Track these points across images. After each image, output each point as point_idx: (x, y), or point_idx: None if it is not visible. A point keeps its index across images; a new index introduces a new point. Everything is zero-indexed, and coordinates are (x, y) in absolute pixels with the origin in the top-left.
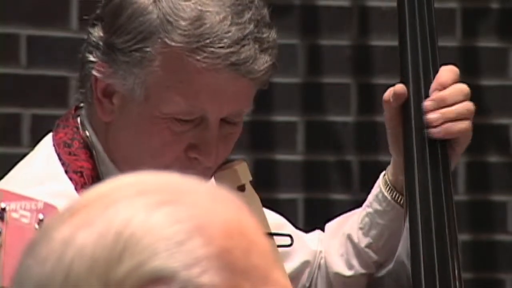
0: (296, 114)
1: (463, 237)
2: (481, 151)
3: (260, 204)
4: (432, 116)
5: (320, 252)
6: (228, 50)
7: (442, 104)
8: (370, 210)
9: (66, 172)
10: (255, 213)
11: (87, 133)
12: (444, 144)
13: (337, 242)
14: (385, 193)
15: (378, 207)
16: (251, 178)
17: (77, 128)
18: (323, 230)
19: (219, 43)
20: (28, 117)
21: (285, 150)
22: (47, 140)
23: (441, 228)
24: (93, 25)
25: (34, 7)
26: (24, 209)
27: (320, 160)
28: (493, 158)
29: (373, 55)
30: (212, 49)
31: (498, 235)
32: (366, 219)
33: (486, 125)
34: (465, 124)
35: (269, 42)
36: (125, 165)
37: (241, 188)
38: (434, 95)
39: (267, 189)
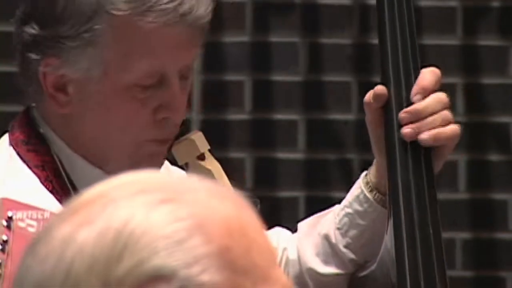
0: (297, 112)
1: (464, 235)
2: (481, 149)
3: (221, 170)
4: (405, 130)
5: (284, 249)
6: (174, 4)
7: (417, 118)
8: (349, 210)
9: (28, 167)
10: (217, 180)
11: (41, 130)
12: (428, 147)
13: (311, 241)
14: (367, 194)
15: (359, 208)
16: (209, 147)
17: (31, 126)
18: None
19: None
20: None
21: (286, 148)
22: (4, 141)
23: (425, 231)
24: (24, 24)
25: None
26: (31, 219)
27: (321, 158)
28: (494, 157)
29: (374, 54)
30: (160, 7)
31: (499, 233)
32: (345, 219)
33: (486, 123)
34: (452, 130)
35: None
36: (94, 149)
37: (201, 157)
38: (415, 100)
39: (268, 187)
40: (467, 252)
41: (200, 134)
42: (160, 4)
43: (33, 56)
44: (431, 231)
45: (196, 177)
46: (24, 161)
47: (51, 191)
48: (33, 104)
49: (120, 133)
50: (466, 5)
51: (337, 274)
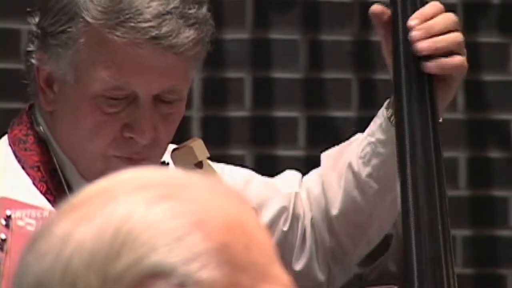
0: (297, 110)
1: (464, 232)
2: (482, 146)
3: (220, 180)
4: (421, 45)
5: (297, 193)
6: (147, 24)
7: (430, 32)
8: (372, 139)
9: (23, 168)
10: None
11: (41, 128)
12: (432, 77)
13: (336, 173)
14: (389, 123)
15: (381, 137)
16: (208, 155)
17: (31, 123)
18: None
19: (138, 17)
20: None
21: (286, 145)
22: (3, 140)
23: (429, 160)
24: (33, 15)
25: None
26: (30, 217)
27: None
28: (494, 154)
29: (374, 50)
30: (131, 24)
31: (499, 230)
32: (368, 148)
33: (487, 120)
34: (459, 60)
35: (196, 18)
36: (71, 152)
37: (199, 166)
38: (412, 24)
39: None
40: (468, 249)
41: (200, 141)
42: (132, 22)
43: (31, 47)
44: (434, 160)
45: (196, 174)
46: (20, 161)
47: (44, 193)
48: (33, 101)
49: (88, 142)
50: (466, 2)
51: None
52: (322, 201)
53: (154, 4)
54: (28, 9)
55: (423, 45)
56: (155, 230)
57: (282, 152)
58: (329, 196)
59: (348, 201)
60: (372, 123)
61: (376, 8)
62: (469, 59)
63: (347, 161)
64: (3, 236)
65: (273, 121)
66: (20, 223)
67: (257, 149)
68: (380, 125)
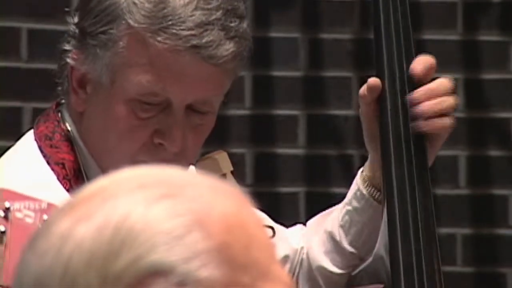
0: (298, 108)
1: (464, 231)
2: (482, 145)
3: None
4: (421, 108)
5: (302, 248)
6: (189, 33)
7: (430, 96)
8: (349, 208)
9: (48, 163)
10: None
11: (68, 126)
12: (421, 139)
13: (319, 239)
14: (363, 191)
15: (357, 205)
16: (232, 168)
17: (58, 121)
18: None
19: (181, 25)
20: (28, 110)
21: (287, 143)
22: (28, 135)
23: (419, 225)
24: (72, 15)
25: (35, 0)
26: (28, 209)
27: (321, 154)
28: (494, 152)
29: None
30: (173, 30)
31: (499, 229)
32: (346, 217)
33: (487, 119)
34: (448, 120)
35: (237, 32)
36: (99, 154)
37: (222, 178)
38: (418, 89)
39: (269, 182)
40: (468, 247)
41: (225, 154)
42: (174, 28)
43: (67, 46)
44: (425, 225)
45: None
46: (45, 156)
47: (67, 190)
48: (63, 100)
49: (118, 145)
50: (467, 1)
51: (346, 272)
52: (306, 263)
53: (198, 13)
54: (66, 9)
55: (423, 108)
56: (154, 228)
57: (282, 150)
58: (312, 260)
59: (332, 264)
60: (349, 191)
61: (362, 90)
62: (469, 58)
63: (328, 229)
64: (2, 229)
65: (273, 120)
66: (19, 215)
67: (257, 148)
68: (355, 193)
